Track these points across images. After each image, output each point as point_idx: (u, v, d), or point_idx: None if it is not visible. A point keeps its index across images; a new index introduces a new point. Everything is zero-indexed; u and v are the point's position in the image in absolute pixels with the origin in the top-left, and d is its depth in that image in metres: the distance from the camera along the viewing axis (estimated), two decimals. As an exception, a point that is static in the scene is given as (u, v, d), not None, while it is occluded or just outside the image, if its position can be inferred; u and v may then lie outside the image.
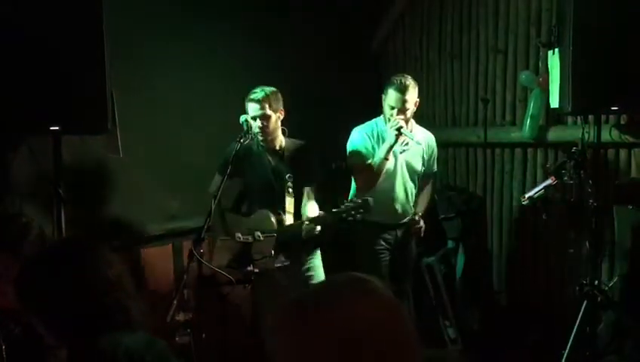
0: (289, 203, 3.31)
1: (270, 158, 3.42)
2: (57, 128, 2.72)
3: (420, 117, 4.75)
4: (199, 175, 3.74)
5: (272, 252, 3.06)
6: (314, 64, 4.53)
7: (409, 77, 3.56)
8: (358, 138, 3.63)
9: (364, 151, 3.59)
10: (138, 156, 3.50)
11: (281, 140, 3.44)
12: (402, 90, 3.48)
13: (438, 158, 3.91)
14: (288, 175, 3.34)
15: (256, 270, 2.85)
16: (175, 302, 2.57)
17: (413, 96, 3.52)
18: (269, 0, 4.36)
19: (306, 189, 3.43)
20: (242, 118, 3.20)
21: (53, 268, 1.50)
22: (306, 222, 3.19)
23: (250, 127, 3.17)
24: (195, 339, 2.62)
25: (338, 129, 3.79)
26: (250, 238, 3.01)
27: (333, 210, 3.13)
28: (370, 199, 3.12)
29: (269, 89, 3.32)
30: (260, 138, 3.34)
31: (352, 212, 3.08)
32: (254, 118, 3.27)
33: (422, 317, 4.29)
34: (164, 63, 3.72)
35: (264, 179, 3.41)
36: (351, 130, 3.71)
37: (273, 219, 3.26)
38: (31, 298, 1.49)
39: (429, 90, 5.10)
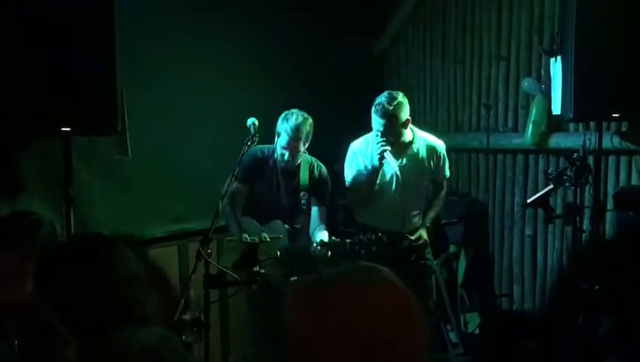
0: (303, 220, 3.40)
1: (283, 176, 3.42)
2: (68, 129, 2.76)
3: (423, 122, 4.81)
4: (204, 177, 3.77)
5: (278, 253, 3.10)
6: (318, 68, 4.57)
7: (397, 96, 3.33)
8: (351, 158, 3.59)
9: (355, 172, 3.55)
10: (143, 157, 3.51)
11: (299, 158, 3.42)
12: (383, 115, 3.30)
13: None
14: (303, 193, 3.38)
15: (262, 271, 2.89)
16: (182, 301, 2.60)
17: (400, 116, 3.33)
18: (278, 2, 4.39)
19: (318, 210, 3.44)
20: (249, 120, 3.20)
21: (72, 262, 1.54)
22: (319, 247, 3.16)
23: (257, 130, 3.16)
24: (201, 338, 2.66)
25: (341, 133, 3.82)
26: (256, 239, 3.05)
27: (348, 240, 3.15)
28: (384, 236, 3.11)
29: (304, 119, 3.30)
30: (282, 158, 3.35)
31: (366, 245, 3.10)
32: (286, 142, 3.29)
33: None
34: (171, 64, 3.74)
35: (274, 194, 3.43)
36: (353, 134, 3.70)
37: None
38: (49, 292, 1.53)
39: (431, 96, 5.15)
